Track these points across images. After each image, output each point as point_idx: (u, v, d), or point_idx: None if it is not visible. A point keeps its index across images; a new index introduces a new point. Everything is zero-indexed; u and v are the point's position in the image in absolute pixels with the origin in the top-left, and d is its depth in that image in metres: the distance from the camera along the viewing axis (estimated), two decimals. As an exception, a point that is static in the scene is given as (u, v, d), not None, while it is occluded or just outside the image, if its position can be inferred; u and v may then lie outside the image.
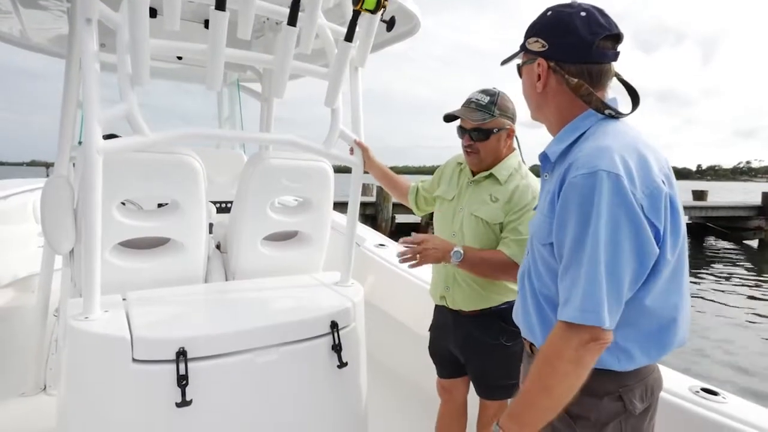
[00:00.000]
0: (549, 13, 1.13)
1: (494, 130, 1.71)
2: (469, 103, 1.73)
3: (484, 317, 1.76)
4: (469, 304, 1.77)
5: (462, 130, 1.76)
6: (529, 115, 1.28)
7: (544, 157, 1.17)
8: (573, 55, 1.09)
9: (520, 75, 1.22)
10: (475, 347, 1.79)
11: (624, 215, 0.94)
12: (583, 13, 1.08)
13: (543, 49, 1.12)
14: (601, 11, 1.10)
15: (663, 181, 0.99)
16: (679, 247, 1.04)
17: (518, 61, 1.22)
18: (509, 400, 1.86)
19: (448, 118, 1.77)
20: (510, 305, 1.74)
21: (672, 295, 1.05)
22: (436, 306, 1.95)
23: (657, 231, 0.97)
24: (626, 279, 0.96)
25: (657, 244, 0.98)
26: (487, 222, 1.70)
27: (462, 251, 1.63)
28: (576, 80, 1.08)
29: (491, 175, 1.75)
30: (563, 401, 0.97)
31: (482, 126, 1.70)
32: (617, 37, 1.10)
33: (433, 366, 2.00)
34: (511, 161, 1.78)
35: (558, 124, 1.15)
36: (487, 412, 1.88)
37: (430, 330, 2.00)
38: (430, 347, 2.00)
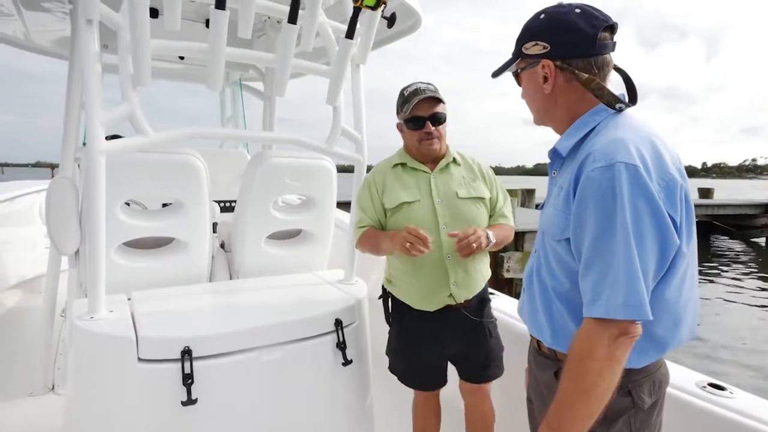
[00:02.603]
0: (542, 15, 1.13)
1: (446, 114, 1.80)
2: (424, 91, 1.74)
3: (474, 300, 1.79)
4: (472, 290, 1.78)
5: (419, 120, 1.74)
6: (532, 119, 1.26)
7: (554, 153, 1.16)
8: (579, 50, 1.09)
9: (519, 82, 1.22)
10: (476, 331, 1.79)
11: (645, 206, 0.93)
12: (577, 10, 1.10)
13: (545, 50, 1.11)
14: (592, 6, 1.11)
15: (677, 174, 0.99)
16: (693, 241, 1.03)
17: (515, 69, 1.22)
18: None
19: (416, 105, 1.73)
20: (487, 283, 1.85)
21: (685, 288, 1.04)
22: (424, 314, 1.77)
23: (674, 223, 0.97)
24: (651, 271, 0.95)
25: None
26: (481, 198, 1.79)
27: (490, 233, 1.70)
28: (587, 75, 1.08)
29: (453, 160, 1.83)
30: (602, 403, 0.95)
31: (438, 111, 1.76)
32: (613, 28, 1.11)
33: None
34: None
35: (568, 122, 1.14)
36: (480, 408, 1.87)
37: (404, 346, 1.85)
38: (410, 362, 1.85)
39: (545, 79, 1.13)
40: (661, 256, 0.96)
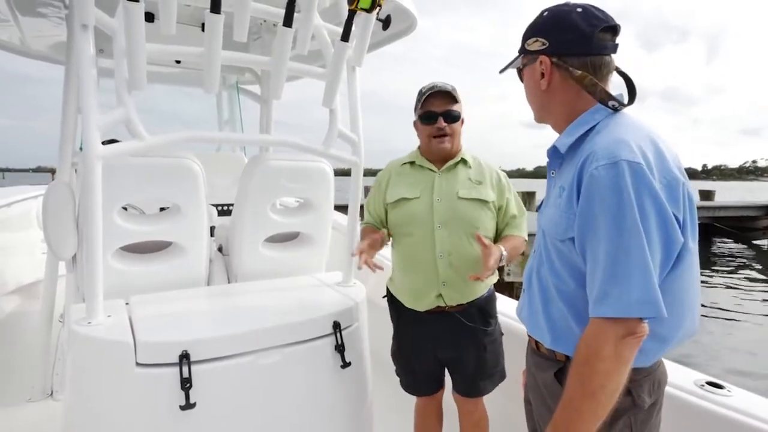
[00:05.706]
0: (546, 13, 1.16)
1: (460, 114, 1.78)
2: (440, 87, 1.74)
3: (472, 308, 1.74)
4: (467, 295, 1.74)
5: (432, 115, 1.74)
6: (532, 118, 1.27)
7: (553, 150, 1.16)
8: (575, 48, 1.11)
9: (522, 79, 1.24)
10: (469, 340, 1.75)
11: (650, 204, 0.93)
12: (579, 9, 1.11)
13: (543, 47, 1.14)
14: (595, 7, 1.12)
15: (678, 172, 1.00)
16: (697, 239, 1.04)
17: (518, 65, 1.24)
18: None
19: (427, 98, 1.74)
20: (491, 292, 1.80)
21: (691, 286, 1.04)
22: (416, 315, 1.78)
23: (678, 220, 0.97)
24: (656, 269, 0.95)
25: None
26: (483, 201, 1.74)
27: (501, 247, 1.63)
28: (580, 72, 1.09)
29: (462, 160, 1.80)
30: (609, 404, 0.94)
31: (453, 108, 1.75)
32: (615, 29, 1.11)
33: None
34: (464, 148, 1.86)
35: (565, 120, 1.15)
36: (474, 415, 1.84)
37: (401, 348, 1.88)
38: (406, 365, 1.88)
39: (542, 75, 1.15)
40: (665, 254, 0.96)
